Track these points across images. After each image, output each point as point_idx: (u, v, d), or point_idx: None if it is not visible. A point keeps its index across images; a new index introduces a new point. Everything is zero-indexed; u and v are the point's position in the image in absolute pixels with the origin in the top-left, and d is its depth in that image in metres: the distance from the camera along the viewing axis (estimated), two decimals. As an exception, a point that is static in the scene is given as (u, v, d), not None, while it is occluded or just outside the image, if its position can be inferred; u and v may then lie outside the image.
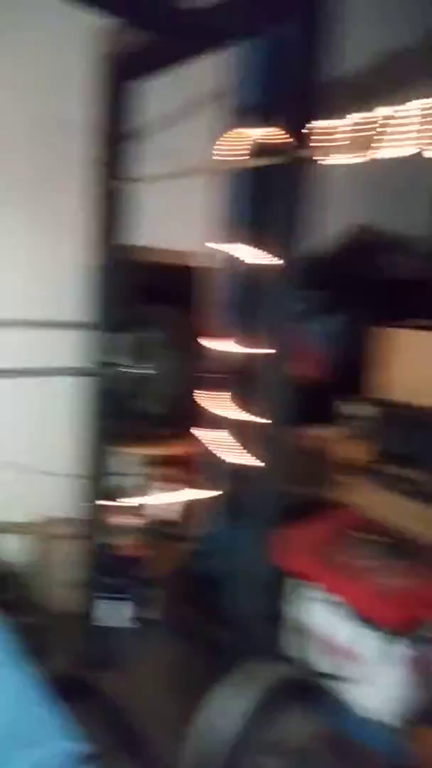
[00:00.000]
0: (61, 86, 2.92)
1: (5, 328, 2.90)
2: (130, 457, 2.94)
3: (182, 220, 3.45)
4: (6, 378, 2.58)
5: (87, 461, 2.29)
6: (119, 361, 2.10)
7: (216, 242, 2.17)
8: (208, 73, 3.42)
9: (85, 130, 3.08)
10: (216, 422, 2.68)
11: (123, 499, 2.68)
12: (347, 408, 3.11)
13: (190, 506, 3.07)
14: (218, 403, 2.71)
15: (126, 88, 2.12)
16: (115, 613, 2.53)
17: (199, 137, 3.46)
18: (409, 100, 1.53)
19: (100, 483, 2.27)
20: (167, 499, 2.87)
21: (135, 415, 2.09)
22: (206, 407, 2.64)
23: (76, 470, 3.28)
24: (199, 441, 2.86)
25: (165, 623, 2.78)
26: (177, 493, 2.94)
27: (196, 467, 2.98)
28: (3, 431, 2.99)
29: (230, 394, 2.35)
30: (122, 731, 2.21)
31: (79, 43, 3.00)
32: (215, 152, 1.89)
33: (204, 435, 2.73)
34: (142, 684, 2.41)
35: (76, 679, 2.39)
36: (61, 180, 3.01)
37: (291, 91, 1.65)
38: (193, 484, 2.98)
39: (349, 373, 3.08)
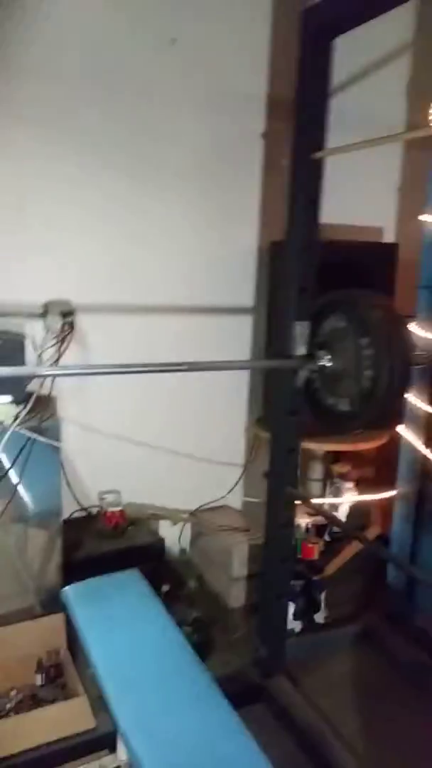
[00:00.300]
0: (239, 54, 2.77)
1: (175, 314, 2.86)
2: (314, 453, 2.79)
3: (374, 193, 3.25)
4: (185, 372, 2.51)
5: (270, 456, 2.15)
6: (306, 352, 1.92)
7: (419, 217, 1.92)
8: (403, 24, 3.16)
9: (265, 102, 2.95)
10: (413, 418, 2.45)
11: (305, 497, 2.54)
12: None
13: (373, 505, 2.87)
14: (419, 396, 2.45)
15: (313, 50, 1.89)
16: (283, 614, 2.39)
17: (392, 102, 3.24)
18: None
19: (282, 479, 2.11)
20: (349, 498, 2.68)
21: (321, 409, 1.90)
22: (405, 402, 2.42)
23: (243, 462, 3.23)
24: (391, 438, 2.66)
25: (339, 627, 2.62)
26: (360, 491, 2.75)
27: (384, 465, 2.77)
28: (173, 419, 2.95)
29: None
30: (295, 738, 2.09)
31: (262, 8, 2.89)
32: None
33: (398, 432, 2.51)
34: (314, 690, 2.27)
35: (248, 680, 2.31)
36: (235, 155, 2.88)
37: None
38: (377, 483, 2.78)
39: None
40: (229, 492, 3.12)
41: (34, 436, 2.06)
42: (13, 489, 2.13)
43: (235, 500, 3.18)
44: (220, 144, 2.84)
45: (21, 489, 2.16)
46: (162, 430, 2.94)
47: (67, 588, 1.94)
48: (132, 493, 2.86)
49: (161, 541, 2.70)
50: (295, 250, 1.99)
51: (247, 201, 2.97)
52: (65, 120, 2.48)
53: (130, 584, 1.98)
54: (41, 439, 2.08)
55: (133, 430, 2.85)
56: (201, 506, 3.04)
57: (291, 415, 2.09)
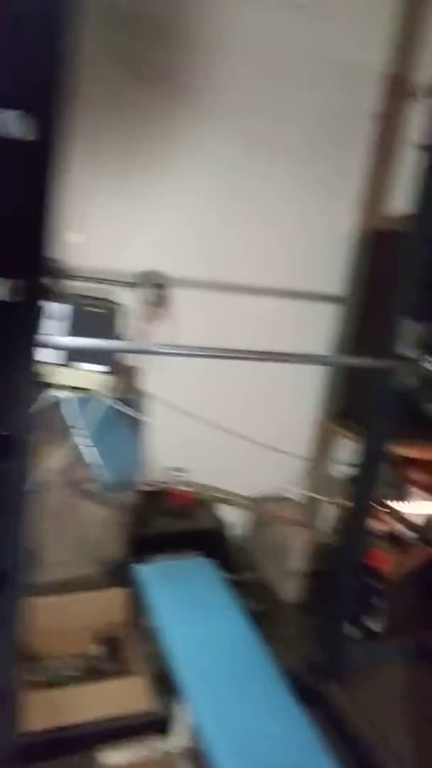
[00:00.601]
0: (361, 27, 2.63)
1: (258, 295, 2.77)
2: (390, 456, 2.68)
3: None
4: (263, 361, 2.42)
5: (359, 458, 2.06)
6: (414, 355, 1.81)
7: None
8: None
9: (380, 80, 2.80)
10: None
11: (389, 503, 2.46)
12: None
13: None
14: None
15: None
16: (346, 619, 2.32)
17: None
18: None
19: (370, 483, 2.02)
20: (424, 506, 2.58)
21: (417, 414, 1.79)
22: None
23: (310, 455, 3.15)
24: None
25: (398, 638, 2.54)
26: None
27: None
28: (243, 401, 2.87)
29: None
30: (346, 747, 2.03)
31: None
32: None
33: None
34: (369, 700, 2.20)
35: (300, 682, 2.25)
36: (343, 134, 2.75)
37: None
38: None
39: None
40: (291, 484, 3.05)
41: (123, 408, 2.01)
42: (91, 457, 2.09)
43: (297, 493, 3.11)
44: (329, 121, 2.70)
45: (98, 458, 2.12)
46: (231, 412, 2.87)
47: (140, 566, 1.90)
48: (194, 473, 2.81)
49: (225, 526, 2.65)
50: (416, 243, 1.87)
51: (350, 184, 2.84)
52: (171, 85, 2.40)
53: (204, 570, 1.93)
54: (129, 411, 2.03)
55: (203, 408, 2.79)
56: (261, 495, 2.98)
57: (387, 418, 1.99)
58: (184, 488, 2.63)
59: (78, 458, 2.09)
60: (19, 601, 0.68)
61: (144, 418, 2.14)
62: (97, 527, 2.28)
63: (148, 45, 2.30)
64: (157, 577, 1.86)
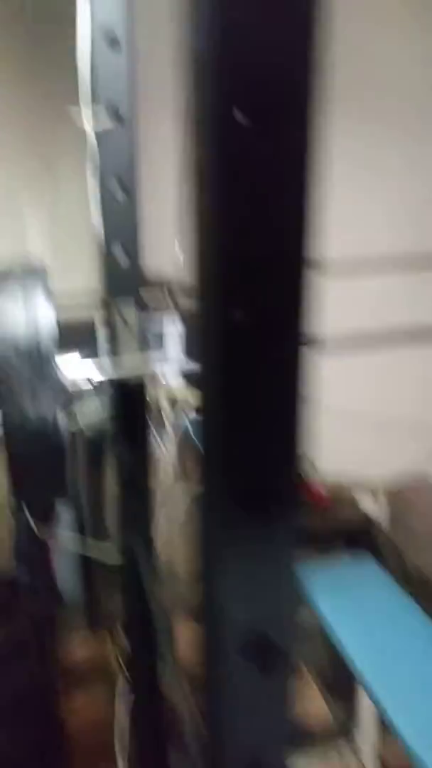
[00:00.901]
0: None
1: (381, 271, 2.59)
2: None
3: None
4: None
5: None
6: None
7: None
8: None
9: None
10: None
11: None
12: None
13: None
14: None
15: None
16: None
17: None
18: None
19: None
20: None
21: None
22: None
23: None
24: None
25: None
26: None
27: None
28: (377, 383, 2.72)
29: None
30: None
31: None
32: None
33: None
34: None
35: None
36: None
37: None
38: None
39: None
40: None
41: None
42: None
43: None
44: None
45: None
46: (362, 394, 2.72)
47: (302, 567, 1.81)
48: (325, 461, 2.68)
49: (371, 520, 2.52)
50: None
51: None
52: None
53: (368, 570, 1.82)
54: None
55: (331, 392, 2.64)
56: (400, 481, 2.82)
57: None
58: (318, 482, 2.52)
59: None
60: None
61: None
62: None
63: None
64: (323, 579, 1.77)
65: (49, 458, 0.79)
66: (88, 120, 0.99)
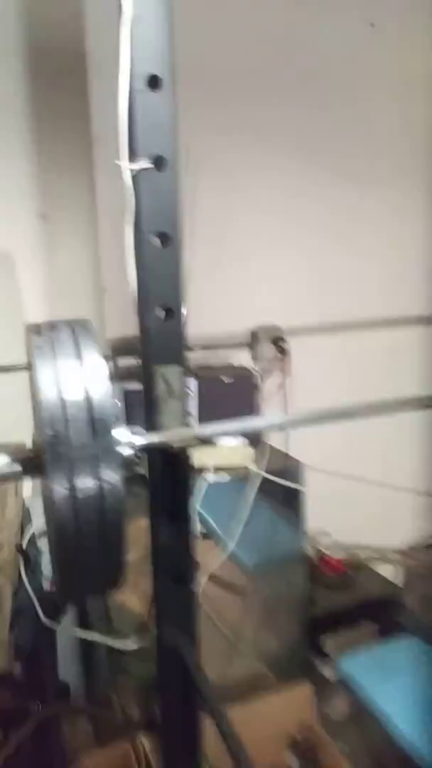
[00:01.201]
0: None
1: (385, 328, 2.55)
2: None
3: None
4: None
5: None
6: None
7: None
8: None
9: None
10: None
11: None
12: None
13: None
14: None
15: None
16: None
17: None
18: None
19: None
20: None
21: None
22: None
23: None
24: None
25: None
26: None
27: None
28: (382, 447, 2.63)
29: None
30: None
31: None
32: None
33: None
34: None
35: None
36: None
37: None
38: None
39: None
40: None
41: (277, 480, 1.80)
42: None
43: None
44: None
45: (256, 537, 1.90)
46: (368, 459, 2.62)
47: (344, 660, 1.65)
48: (339, 533, 2.54)
49: (398, 590, 2.36)
50: None
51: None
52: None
53: (414, 652, 1.66)
54: (284, 483, 1.81)
55: (337, 461, 2.54)
56: (412, 545, 2.69)
57: None
58: (335, 555, 2.36)
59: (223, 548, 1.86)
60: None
61: (303, 489, 1.91)
62: (252, 619, 2.03)
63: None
64: (369, 669, 1.60)
65: (107, 542, 0.66)
66: (125, 163, 0.91)
